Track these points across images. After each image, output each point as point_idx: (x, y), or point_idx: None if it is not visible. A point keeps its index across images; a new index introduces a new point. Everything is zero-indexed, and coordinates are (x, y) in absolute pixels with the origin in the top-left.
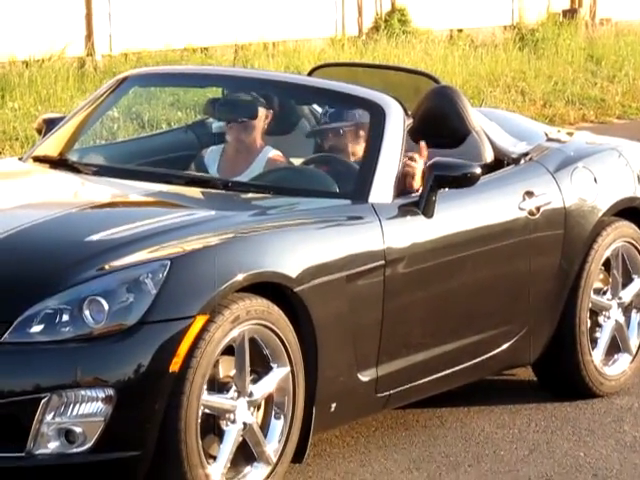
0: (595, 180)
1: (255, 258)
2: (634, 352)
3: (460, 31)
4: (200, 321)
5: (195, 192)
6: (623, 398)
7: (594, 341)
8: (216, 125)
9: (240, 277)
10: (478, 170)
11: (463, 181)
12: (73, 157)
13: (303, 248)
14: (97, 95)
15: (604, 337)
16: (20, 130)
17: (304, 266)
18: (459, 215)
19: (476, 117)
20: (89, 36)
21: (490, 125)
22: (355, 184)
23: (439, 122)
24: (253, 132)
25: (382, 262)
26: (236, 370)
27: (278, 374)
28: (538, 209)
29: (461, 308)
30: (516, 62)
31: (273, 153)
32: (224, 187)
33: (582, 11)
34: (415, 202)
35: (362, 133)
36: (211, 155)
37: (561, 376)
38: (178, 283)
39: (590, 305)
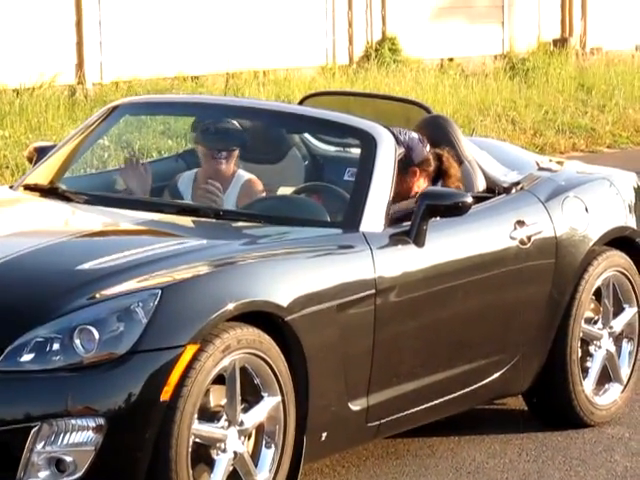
0: (586, 209)
1: (246, 287)
2: (625, 382)
3: (451, 60)
4: (191, 350)
5: (186, 221)
6: (614, 427)
7: (585, 370)
8: None
9: (231, 306)
10: (469, 199)
11: (454, 210)
12: (64, 186)
13: (294, 277)
14: (88, 124)
15: (595, 366)
16: (11, 158)
17: (295, 295)
18: (450, 244)
19: (468, 146)
20: (80, 64)
21: (481, 154)
22: (346, 213)
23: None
24: (228, 160)
25: (373, 291)
26: (227, 399)
27: (269, 403)
28: (529, 238)
29: (452, 337)
30: (507, 91)
31: (247, 176)
32: (215, 216)
33: (572, 40)
34: (406, 231)
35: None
36: (183, 181)
37: (552, 405)
38: (169, 312)
39: (581, 334)
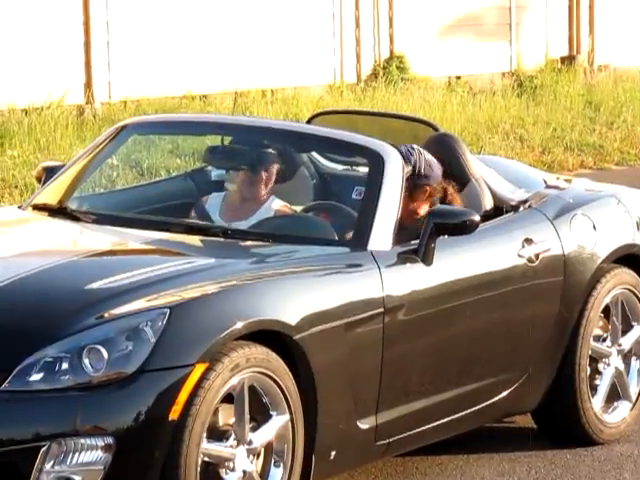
0: (594, 227)
1: (254, 306)
2: (634, 399)
3: (458, 78)
4: (199, 369)
5: (194, 240)
6: (623, 445)
7: (594, 388)
8: (216, 173)
9: (239, 325)
10: (477, 217)
11: (462, 228)
12: (72, 205)
13: (302, 296)
14: (96, 143)
15: (604, 384)
16: (19, 178)
17: (303, 314)
18: (458, 262)
19: (475, 165)
20: (88, 84)
21: (489, 172)
22: (354, 232)
23: None
24: (260, 186)
25: (381, 310)
26: (235, 418)
27: (277, 422)
28: (537, 256)
29: (460, 355)
30: (514, 109)
31: (279, 204)
32: (223, 235)
33: (580, 57)
34: (414, 249)
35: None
36: (212, 202)
37: (561, 424)
38: (177, 331)
39: (590, 352)
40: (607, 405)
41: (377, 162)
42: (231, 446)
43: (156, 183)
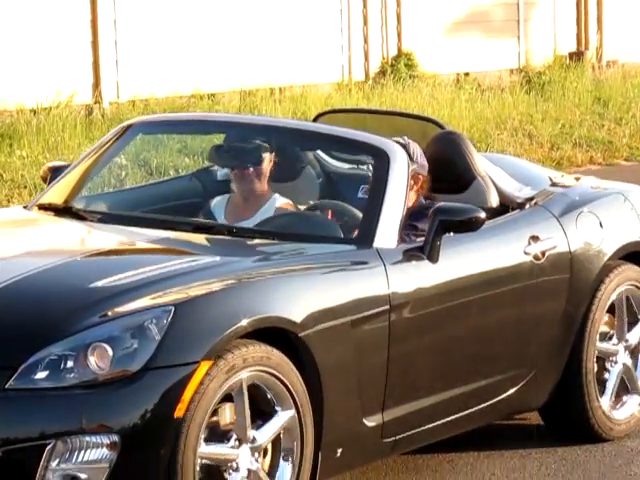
0: (600, 224)
1: (259, 303)
2: None
3: (467, 75)
4: (205, 366)
5: (199, 238)
6: (634, 440)
7: (602, 383)
8: (222, 172)
9: (244, 322)
10: (483, 214)
11: (468, 225)
12: (78, 205)
13: (307, 293)
14: (102, 143)
15: (612, 381)
16: (28, 178)
17: (309, 311)
18: (464, 260)
19: (481, 162)
20: (96, 84)
21: (495, 170)
22: (360, 229)
23: (444, 168)
24: (258, 178)
25: (387, 307)
26: (236, 417)
27: (282, 418)
28: (543, 253)
29: (467, 353)
30: (523, 105)
31: (281, 202)
32: (229, 233)
33: (589, 53)
34: (420, 247)
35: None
36: (217, 204)
37: (569, 421)
38: (182, 329)
39: (597, 352)
40: (616, 401)
41: (382, 159)
42: (233, 447)
43: (162, 183)
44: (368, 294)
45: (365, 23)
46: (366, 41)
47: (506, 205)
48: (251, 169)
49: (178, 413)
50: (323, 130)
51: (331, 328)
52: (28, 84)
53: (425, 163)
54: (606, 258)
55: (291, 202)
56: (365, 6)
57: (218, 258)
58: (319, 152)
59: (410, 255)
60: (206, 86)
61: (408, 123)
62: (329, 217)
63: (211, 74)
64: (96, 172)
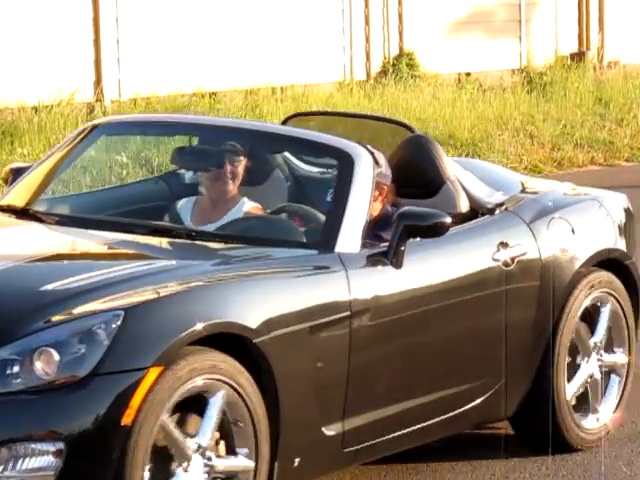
0: (573, 231)
1: (215, 308)
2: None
3: (468, 75)
4: (154, 373)
5: (157, 241)
6: (634, 442)
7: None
8: (189, 175)
9: (200, 327)
10: (448, 219)
11: (433, 230)
12: (40, 207)
13: (265, 298)
14: (64, 143)
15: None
16: None
17: (265, 317)
18: (430, 266)
19: (451, 167)
20: (98, 81)
21: (465, 175)
22: (322, 234)
23: (414, 172)
24: (225, 181)
25: (348, 313)
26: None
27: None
28: (513, 260)
29: (432, 361)
30: (524, 105)
31: (250, 205)
32: (188, 236)
33: (590, 54)
34: (384, 252)
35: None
36: (183, 206)
37: (538, 431)
38: (132, 334)
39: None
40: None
41: (346, 162)
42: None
43: (128, 185)
44: (328, 300)
45: (367, 23)
46: (368, 41)
47: (476, 210)
48: (214, 171)
49: (126, 420)
50: (289, 132)
51: (288, 334)
52: (30, 82)
53: (389, 173)
54: (578, 265)
55: (260, 206)
56: (367, 6)
57: (174, 262)
58: (288, 155)
59: (373, 260)
60: (208, 85)
61: (377, 126)
62: (294, 221)
63: (213, 73)
64: (59, 174)
